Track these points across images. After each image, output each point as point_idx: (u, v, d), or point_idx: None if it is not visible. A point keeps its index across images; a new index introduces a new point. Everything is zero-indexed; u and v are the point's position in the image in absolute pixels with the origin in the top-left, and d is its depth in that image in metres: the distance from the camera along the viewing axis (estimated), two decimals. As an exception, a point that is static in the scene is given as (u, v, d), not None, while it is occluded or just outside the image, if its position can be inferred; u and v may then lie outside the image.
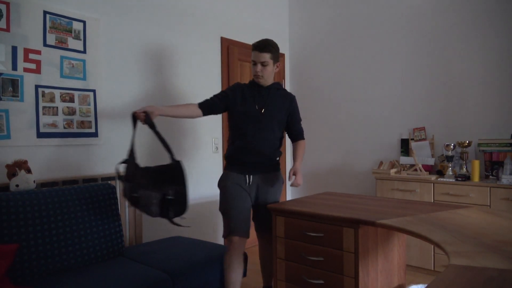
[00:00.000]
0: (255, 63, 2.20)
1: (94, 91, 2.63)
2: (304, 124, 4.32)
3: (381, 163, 3.53)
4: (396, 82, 3.62)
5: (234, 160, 2.31)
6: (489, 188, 2.71)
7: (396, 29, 3.62)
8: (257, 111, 2.25)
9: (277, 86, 2.35)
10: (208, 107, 2.30)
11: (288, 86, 4.48)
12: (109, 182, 2.54)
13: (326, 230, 2.00)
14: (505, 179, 2.67)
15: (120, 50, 2.82)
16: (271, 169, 2.36)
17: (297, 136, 2.45)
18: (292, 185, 2.28)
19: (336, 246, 1.96)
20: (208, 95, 3.43)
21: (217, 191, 3.59)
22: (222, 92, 2.36)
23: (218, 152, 3.60)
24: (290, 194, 4.49)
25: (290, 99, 2.39)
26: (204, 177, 3.47)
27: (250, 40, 3.92)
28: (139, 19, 2.94)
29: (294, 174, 2.27)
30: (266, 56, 2.18)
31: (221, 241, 3.60)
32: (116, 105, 2.79)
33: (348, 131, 4.00)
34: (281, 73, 4.34)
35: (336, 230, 1.96)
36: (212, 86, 3.54)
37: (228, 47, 3.67)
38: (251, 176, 2.29)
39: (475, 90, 3.17)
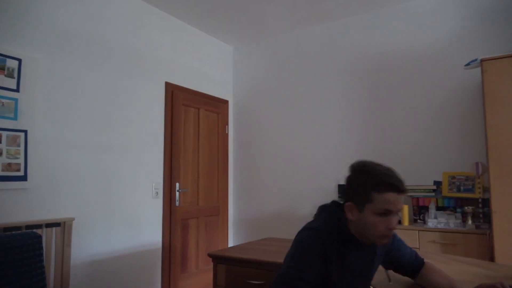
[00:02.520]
0: (388, 213, 1.18)
1: (26, 131, 2.47)
2: (247, 170, 4.41)
3: (321, 208, 3.64)
4: (334, 130, 3.86)
5: None
6: (417, 231, 2.90)
7: (333, 82, 3.92)
8: None
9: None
10: None
11: (231, 133, 4.56)
12: (35, 230, 2.33)
13: (268, 277, 1.98)
14: (430, 222, 2.89)
15: (60, 92, 2.71)
16: None
17: (419, 262, 1.47)
18: None
19: (277, 293, 1.94)
20: (151, 140, 3.41)
21: (158, 237, 3.47)
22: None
23: (159, 197, 3.49)
24: (232, 240, 4.41)
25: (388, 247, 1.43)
26: (142, 224, 3.31)
27: (195, 85, 4.00)
28: (82, 61, 2.88)
29: None
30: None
31: (158, 293, 3.39)
32: (51, 147, 2.63)
33: (289, 177, 4.11)
34: (224, 120, 4.42)
35: (277, 276, 1.95)
36: (155, 131, 3.49)
37: (173, 92, 3.70)
38: None
39: (404, 140, 3.47)
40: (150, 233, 3.37)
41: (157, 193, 3.46)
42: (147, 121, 3.42)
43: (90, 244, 2.85)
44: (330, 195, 3.78)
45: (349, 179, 1.28)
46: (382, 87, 3.62)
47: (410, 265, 1.45)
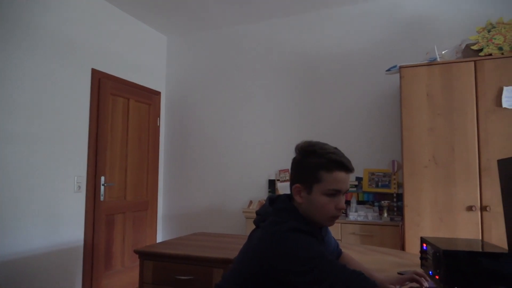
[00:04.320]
0: (337, 193, 1.17)
1: None
2: (178, 164, 4.32)
3: (251, 202, 3.70)
4: (266, 126, 3.94)
5: None
6: (340, 224, 3.09)
7: (267, 80, 3.99)
8: None
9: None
10: None
11: (163, 126, 4.43)
12: None
13: (196, 272, 1.97)
14: (351, 215, 3.10)
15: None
16: None
17: (338, 253, 1.50)
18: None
19: (206, 288, 1.94)
20: (74, 130, 3.18)
21: (79, 234, 3.25)
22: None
23: (81, 192, 3.27)
24: (160, 236, 4.30)
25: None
26: (62, 220, 3.08)
27: (125, 74, 3.80)
28: (-9, 39, 2.58)
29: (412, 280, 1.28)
30: None
31: (78, 293, 3.19)
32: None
33: (221, 172, 4.11)
34: (156, 112, 4.28)
35: (206, 271, 1.94)
36: (79, 120, 3.26)
37: (100, 79, 3.48)
38: None
39: (330, 138, 3.66)
40: (70, 230, 3.15)
41: (79, 187, 3.25)
42: (70, 109, 3.18)
43: (-1, 243, 2.59)
44: (261, 190, 3.86)
45: (296, 160, 1.24)
46: (313, 88, 3.77)
47: (333, 254, 1.47)
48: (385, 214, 3.08)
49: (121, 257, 3.66)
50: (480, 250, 1.28)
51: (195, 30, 4.35)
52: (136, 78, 3.98)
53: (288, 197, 1.27)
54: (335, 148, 1.24)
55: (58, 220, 3.05)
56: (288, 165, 3.85)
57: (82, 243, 3.26)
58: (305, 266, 1.03)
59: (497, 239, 2.43)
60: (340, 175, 1.16)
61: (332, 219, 1.19)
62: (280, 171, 3.74)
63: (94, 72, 3.44)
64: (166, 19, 4.02)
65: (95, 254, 3.34)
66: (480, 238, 2.50)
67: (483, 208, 2.51)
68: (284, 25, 3.95)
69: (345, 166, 1.16)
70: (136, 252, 2.12)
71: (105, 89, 3.53)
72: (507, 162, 1.16)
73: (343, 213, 3.27)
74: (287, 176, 3.69)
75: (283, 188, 3.65)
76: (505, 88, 2.50)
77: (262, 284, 1.11)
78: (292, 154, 1.33)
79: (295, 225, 1.12)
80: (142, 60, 4.10)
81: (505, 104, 2.49)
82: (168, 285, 2.02)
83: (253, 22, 4.09)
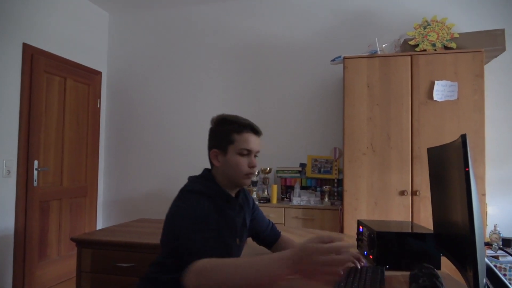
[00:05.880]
0: (248, 153, 1.30)
1: None
2: (121, 149, 4.15)
3: (197, 188, 3.68)
4: (212, 110, 3.86)
5: None
6: (283, 208, 3.17)
7: (214, 64, 3.93)
8: (236, 247, 1.35)
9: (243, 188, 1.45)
10: None
11: (104, 108, 4.21)
12: None
13: (138, 259, 1.92)
14: (295, 200, 3.20)
15: None
16: None
17: (275, 234, 1.57)
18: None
19: (148, 274, 1.90)
20: (2, 111, 2.90)
21: (9, 222, 3.02)
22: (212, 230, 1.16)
23: (11, 177, 3.02)
24: (101, 223, 4.13)
25: (251, 201, 1.52)
26: (-12, 208, 2.84)
27: (62, 51, 3.54)
28: None
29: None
30: None
31: (9, 286, 2.99)
32: None
33: (165, 156, 4.02)
34: (96, 93, 4.05)
35: (148, 258, 1.90)
36: (8, 99, 2.99)
37: (33, 55, 3.20)
38: None
39: (276, 125, 3.72)
40: (0, 216, 2.92)
41: (9, 171, 3.00)
42: (-3, 87, 2.90)
43: None
44: (207, 175, 3.84)
45: (211, 129, 1.38)
46: (259, 74, 3.79)
47: (267, 236, 1.55)
48: (326, 199, 3.21)
49: (57, 246, 3.47)
50: (410, 231, 1.38)
51: (140, 8, 4.14)
52: (75, 56, 3.72)
53: (208, 170, 1.38)
54: (245, 118, 1.36)
55: (-16, 208, 2.80)
56: (234, 151, 3.84)
57: (12, 232, 3.03)
58: (194, 225, 1.14)
59: (425, 221, 2.65)
60: (250, 136, 1.31)
61: (247, 177, 1.32)
62: (226, 156, 3.74)
63: (26, 47, 3.15)
64: (108, -6, 3.78)
65: (27, 243, 3.13)
66: (410, 220, 2.71)
67: (414, 193, 2.72)
68: (233, 9, 3.90)
69: (253, 128, 1.33)
70: (73, 240, 2.02)
71: (39, 66, 3.26)
72: (435, 151, 1.26)
73: (286, 197, 3.37)
74: (234, 161, 3.69)
75: (229, 173, 3.65)
76: (436, 82, 2.70)
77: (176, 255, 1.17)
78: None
79: (198, 187, 1.26)
80: (81, 37, 3.83)
81: (436, 97, 2.69)
82: (108, 273, 1.95)
83: (201, 3, 3.98)
